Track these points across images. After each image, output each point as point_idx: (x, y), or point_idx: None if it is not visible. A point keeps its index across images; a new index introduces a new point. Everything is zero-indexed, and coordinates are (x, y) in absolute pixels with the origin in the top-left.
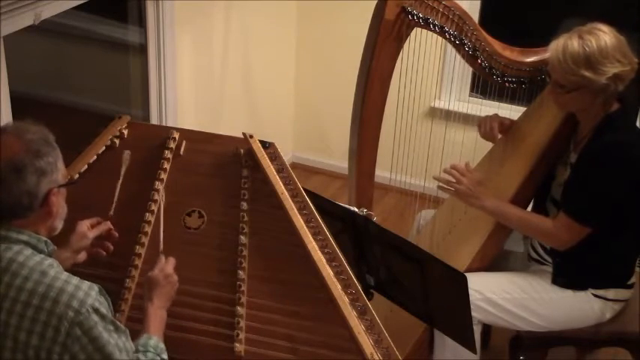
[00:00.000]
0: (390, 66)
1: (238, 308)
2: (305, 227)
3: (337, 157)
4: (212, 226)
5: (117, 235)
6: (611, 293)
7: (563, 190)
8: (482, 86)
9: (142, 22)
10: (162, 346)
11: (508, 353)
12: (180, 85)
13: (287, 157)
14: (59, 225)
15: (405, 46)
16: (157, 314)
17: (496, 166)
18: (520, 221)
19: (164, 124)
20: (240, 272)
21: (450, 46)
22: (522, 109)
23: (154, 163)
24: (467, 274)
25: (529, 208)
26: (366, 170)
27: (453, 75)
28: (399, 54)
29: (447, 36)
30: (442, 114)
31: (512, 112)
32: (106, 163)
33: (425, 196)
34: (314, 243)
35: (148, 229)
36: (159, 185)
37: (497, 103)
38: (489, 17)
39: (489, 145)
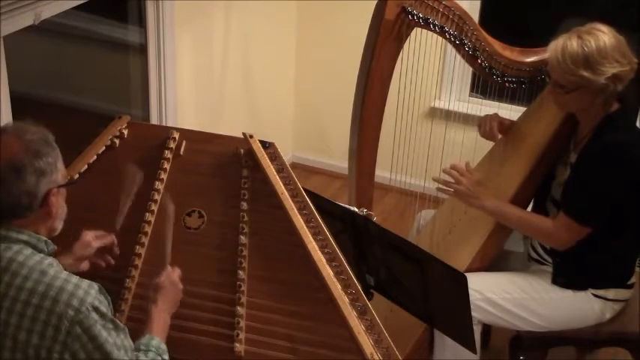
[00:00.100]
0: (390, 66)
1: (238, 308)
2: (305, 227)
3: (337, 157)
4: (212, 226)
5: (118, 251)
6: (611, 293)
7: (563, 190)
8: (482, 86)
9: (142, 22)
10: (164, 347)
11: (508, 353)
12: (180, 85)
13: (287, 157)
14: (59, 225)
15: (405, 46)
16: (160, 317)
17: (496, 166)
18: (520, 221)
19: (164, 124)
20: (240, 272)
21: (450, 46)
22: (522, 109)
23: (154, 163)
24: (467, 274)
25: (529, 208)
26: (366, 170)
27: (453, 75)
28: (399, 54)
29: (447, 36)
30: (442, 114)
31: (512, 112)
32: (106, 163)
33: (425, 196)
34: (314, 243)
35: (148, 229)
36: (159, 185)
37: (497, 103)
38: (489, 17)
39: (489, 145)
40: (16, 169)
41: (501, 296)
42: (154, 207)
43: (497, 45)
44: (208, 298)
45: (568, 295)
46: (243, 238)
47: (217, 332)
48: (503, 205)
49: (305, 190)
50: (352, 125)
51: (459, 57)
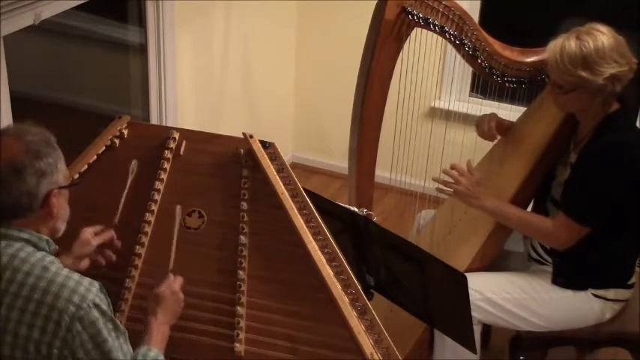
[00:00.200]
0: (390, 66)
1: (238, 308)
2: (305, 227)
3: (337, 157)
4: (212, 226)
5: (119, 245)
6: (611, 293)
7: (563, 190)
8: (482, 86)
9: (142, 22)
10: (161, 358)
11: (508, 353)
12: (180, 85)
13: (287, 157)
14: (61, 226)
15: (405, 46)
16: (159, 329)
17: (496, 166)
18: (520, 221)
19: (164, 124)
20: (240, 272)
21: (450, 46)
22: (522, 109)
23: (154, 163)
24: (467, 274)
25: (529, 208)
26: (366, 170)
27: (453, 75)
28: (399, 54)
29: (447, 36)
30: (442, 114)
31: (512, 112)
32: (106, 163)
33: (425, 196)
34: (314, 243)
35: (148, 229)
36: (159, 185)
37: (497, 103)
38: (489, 17)
39: (489, 145)
40: (16, 169)
41: (501, 296)
42: (154, 207)
43: (497, 45)
44: (208, 298)
45: (568, 295)
46: (243, 238)
47: (217, 332)
48: (503, 205)
49: (305, 190)
50: (352, 125)
51: (459, 57)
